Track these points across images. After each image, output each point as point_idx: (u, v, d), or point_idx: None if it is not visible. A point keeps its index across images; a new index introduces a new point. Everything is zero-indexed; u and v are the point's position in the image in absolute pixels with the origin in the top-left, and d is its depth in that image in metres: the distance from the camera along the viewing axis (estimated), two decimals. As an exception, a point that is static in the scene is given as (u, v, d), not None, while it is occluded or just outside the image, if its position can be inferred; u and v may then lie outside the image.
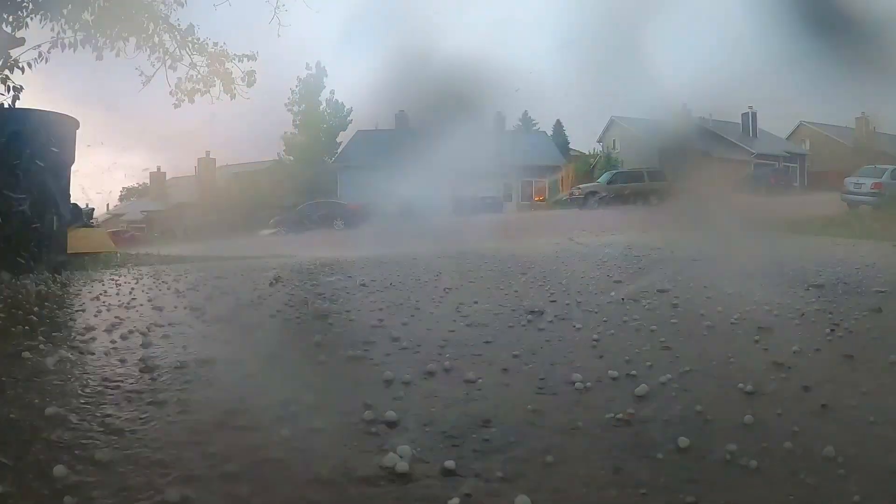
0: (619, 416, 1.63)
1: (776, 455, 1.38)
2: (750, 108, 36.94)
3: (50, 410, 1.67)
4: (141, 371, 2.11)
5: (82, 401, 1.81)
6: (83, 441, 1.49)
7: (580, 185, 26.97)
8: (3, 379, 1.97)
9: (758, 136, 36.36)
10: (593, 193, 24.54)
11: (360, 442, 1.51)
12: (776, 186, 28.11)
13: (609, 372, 2.01)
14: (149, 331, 2.72)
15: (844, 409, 1.66)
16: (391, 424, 1.61)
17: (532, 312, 2.99)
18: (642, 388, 1.82)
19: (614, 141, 37.93)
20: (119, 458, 1.39)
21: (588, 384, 1.91)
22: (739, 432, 1.51)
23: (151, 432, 1.56)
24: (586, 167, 37.14)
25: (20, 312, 3.04)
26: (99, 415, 1.69)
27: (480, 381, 1.98)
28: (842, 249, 5.91)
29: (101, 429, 1.58)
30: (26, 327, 2.73)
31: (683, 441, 1.44)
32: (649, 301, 3.29)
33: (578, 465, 1.37)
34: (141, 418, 1.66)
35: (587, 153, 41.57)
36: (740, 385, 1.84)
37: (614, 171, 28.07)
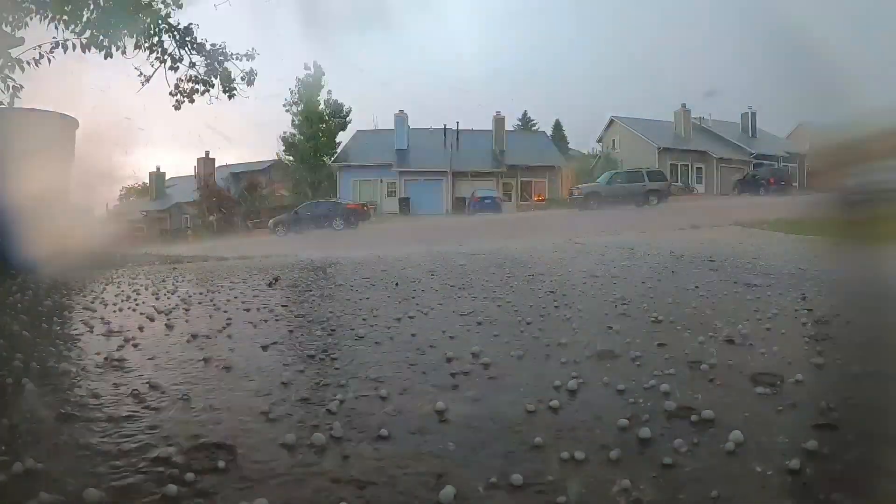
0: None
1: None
2: (749, 108, 37.05)
3: None
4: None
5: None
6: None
7: (579, 186, 26.98)
8: None
9: (757, 137, 36.44)
10: (593, 194, 24.54)
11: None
12: (775, 186, 28.16)
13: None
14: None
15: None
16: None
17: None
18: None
19: (614, 141, 37.99)
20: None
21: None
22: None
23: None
24: (586, 167, 37.18)
25: None
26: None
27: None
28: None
29: None
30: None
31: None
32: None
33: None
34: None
35: (587, 153, 41.63)
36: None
37: (614, 172, 28.06)
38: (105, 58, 7.90)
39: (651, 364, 2.01)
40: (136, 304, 3.45)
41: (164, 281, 4.62)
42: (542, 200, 32.04)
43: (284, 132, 34.80)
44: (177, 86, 10.00)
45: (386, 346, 2.39)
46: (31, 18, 7.64)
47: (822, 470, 1.26)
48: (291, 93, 34.03)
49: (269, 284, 4.27)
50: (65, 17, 7.74)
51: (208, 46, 9.83)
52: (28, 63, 7.74)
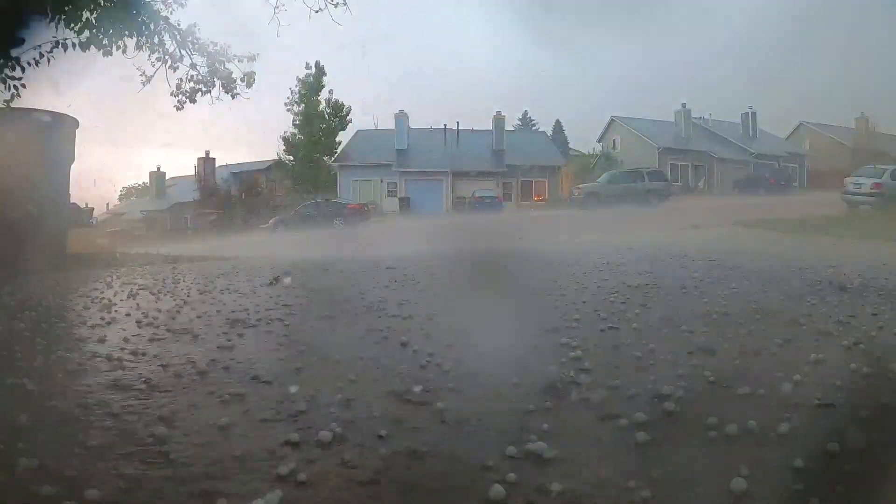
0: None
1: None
2: (750, 107, 36.96)
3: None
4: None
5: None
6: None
7: (580, 185, 26.92)
8: None
9: (757, 137, 36.36)
10: (593, 194, 24.47)
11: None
12: (775, 186, 28.12)
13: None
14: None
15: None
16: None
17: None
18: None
19: (614, 141, 37.92)
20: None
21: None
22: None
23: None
24: (586, 167, 37.14)
25: None
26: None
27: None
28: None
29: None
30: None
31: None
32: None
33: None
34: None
35: (587, 153, 41.60)
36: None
37: (614, 172, 28.02)
38: (104, 56, 7.83)
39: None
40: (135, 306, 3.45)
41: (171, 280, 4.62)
42: (542, 200, 31.97)
43: (284, 132, 34.70)
44: (178, 86, 9.95)
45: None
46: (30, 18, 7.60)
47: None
48: (292, 92, 33.92)
49: (270, 283, 4.27)
50: (64, 17, 7.70)
51: (210, 48, 9.77)
52: (28, 63, 7.71)
